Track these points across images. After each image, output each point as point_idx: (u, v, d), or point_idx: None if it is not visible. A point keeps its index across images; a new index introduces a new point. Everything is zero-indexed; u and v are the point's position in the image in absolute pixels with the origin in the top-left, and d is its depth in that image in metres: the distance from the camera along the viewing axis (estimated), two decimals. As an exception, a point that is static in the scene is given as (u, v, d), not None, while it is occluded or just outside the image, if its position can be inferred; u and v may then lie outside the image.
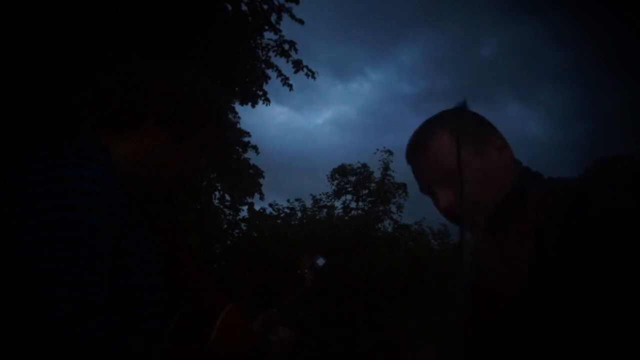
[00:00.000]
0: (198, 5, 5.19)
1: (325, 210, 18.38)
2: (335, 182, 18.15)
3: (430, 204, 1.12)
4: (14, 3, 3.81)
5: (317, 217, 18.24)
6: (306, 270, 1.47)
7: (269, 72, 7.45)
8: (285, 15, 7.04)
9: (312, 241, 15.46)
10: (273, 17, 6.98)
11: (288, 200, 18.75)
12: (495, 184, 1.03)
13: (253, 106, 7.50)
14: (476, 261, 0.98)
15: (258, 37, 7.13)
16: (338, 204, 18.14)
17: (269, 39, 7.31)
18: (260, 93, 7.49)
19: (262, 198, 9.65)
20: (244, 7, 6.41)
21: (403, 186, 17.05)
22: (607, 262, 0.86)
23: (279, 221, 18.09)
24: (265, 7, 6.80)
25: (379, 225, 17.71)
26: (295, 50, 7.41)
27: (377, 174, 17.61)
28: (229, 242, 17.71)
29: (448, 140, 1.06)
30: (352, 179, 17.91)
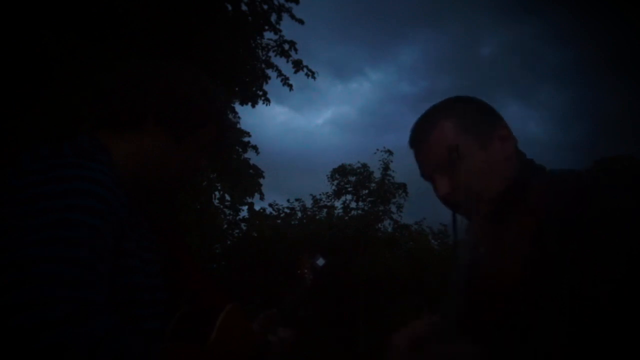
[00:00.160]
0: (198, 5, 5.19)
1: (325, 210, 18.38)
2: (335, 182, 18.15)
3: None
4: (14, 3, 3.81)
5: (317, 217, 18.23)
6: (306, 270, 1.47)
7: (269, 72, 7.46)
8: (285, 15, 7.05)
9: (312, 241, 15.45)
10: (273, 17, 6.99)
11: (288, 200, 18.76)
12: (497, 175, 1.03)
13: (253, 106, 7.51)
14: (475, 253, 0.98)
15: (258, 37, 7.13)
16: (338, 204, 18.15)
17: (269, 39, 7.33)
18: (260, 93, 7.50)
19: (262, 198, 9.66)
20: (244, 7, 6.41)
21: (403, 186, 17.05)
22: (607, 262, 0.86)
23: (279, 221, 18.08)
24: (265, 7, 6.80)
25: (379, 225, 17.71)
26: (295, 50, 7.42)
27: (377, 174, 17.61)
28: (229, 242, 17.71)
29: (450, 129, 1.06)
30: (352, 179, 17.90)
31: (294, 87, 7.60)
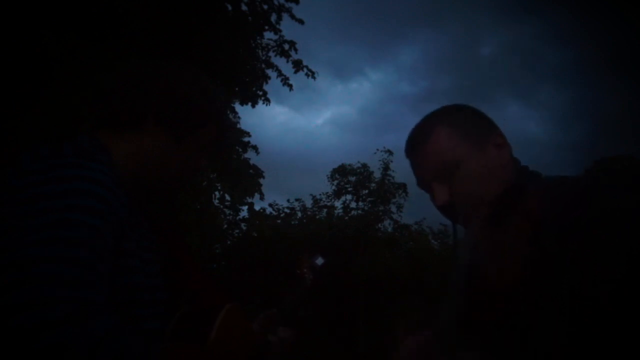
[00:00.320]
0: (198, 5, 5.19)
1: (325, 210, 18.38)
2: (335, 182, 18.15)
3: (431, 204, 1.12)
4: (14, 3, 3.81)
5: (317, 217, 18.24)
6: (305, 270, 1.47)
7: (269, 72, 7.46)
8: (285, 15, 7.05)
9: (312, 241, 15.45)
10: (273, 17, 6.99)
11: (288, 200, 18.77)
12: (493, 182, 1.03)
13: (253, 106, 7.51)
14: (473, 256, 0.99)
15: (258, 37, 7.13)
16: (338, 204, 18.15)
17: (269, 39, 7.33)
18: (260, 93, 7.50)
19: (262, 198, 9.67)
20: (244, 7, 6.41)
21: (403, 186, 17.05)
22: (607, 262, 0.86)
23: (279, 221, 18.08)
24: (265, 7, 6.80)
25: (379, 225, 17.71)
26: (295, 50, 7.42)
27: (377, 174, 17.62)
28: (229, 242, 17.71)
29: (446, 137, 1.06)
30: (352, 179, 17.90)
31: (294, 87, 7.61)
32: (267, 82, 7.48)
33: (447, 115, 1.10)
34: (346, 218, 17.69)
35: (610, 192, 0.95)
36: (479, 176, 1.03)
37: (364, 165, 17.82)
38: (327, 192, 18.27)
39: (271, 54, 7.38)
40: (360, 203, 17.81)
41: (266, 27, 7.01)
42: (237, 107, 7.69)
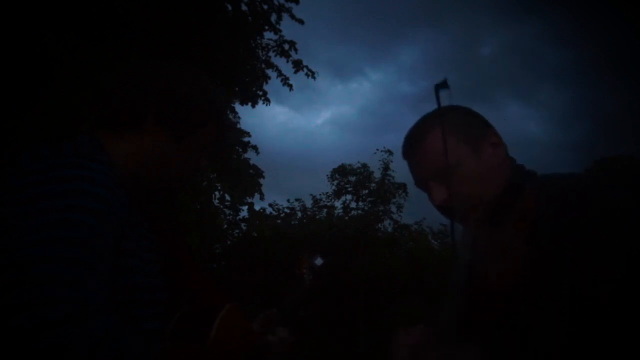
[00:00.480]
0: (198, 5, 5.19)
1: (325, 210, 18.37)
2: (335, 182, 18.13)
3: (430, 204, 1.13)
4: (14, 3, 3.81)
5: (317, 217, 18.22)
6: (305, 270, 1.48)
7: (269, 72, 7.45)
8: (285, 15, 7.04)
9: (312, 241, 15.45)
10: (273, 17, 6.98)
11: (288, 200, 18.75)
12: (490, 181, 1.04)
13: (253, 106, 7.50)
14: (472, 255, 0.99)
15: (258, 37, 7.13)
16: (338, 204, 18.13)
17: (269, 39, 7.32)
18: (260, 93, 7.49)
19: (262, 198, 9.66)
20: (244, 7, 6.41)
21: (403, 186, 17.03)
22: (607, 262, 0.86)
23: (279, 221, 18.07)
24: (265, 7, 6.80)
25: (379, 225, 17.69)
26: (295, 50, 7.41)
27: (377, 174, 17.59)
28: (229, 242, 17.70)
29: (444, 136, 1.07)
30: (352, 179, 17.89)
31: (294, 87, 7.60)
32: (267, 82, 7.48)
33: (443, 115, 1.11)
34: (346, 218, 17.67)
35: (610, 192, 0.96)
36: (477, 176, 1.04)
37: (364, 165, 17.81)
38: (327, 192, 18.26)
39: (271, 54, 7.39)
40: (360, 203, 17.80)
41: (266, 27, 7.01)
42: (237, 107, 7.69)
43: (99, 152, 0.99)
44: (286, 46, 7.35)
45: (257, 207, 14.50)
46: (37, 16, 3.89)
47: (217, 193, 9.99)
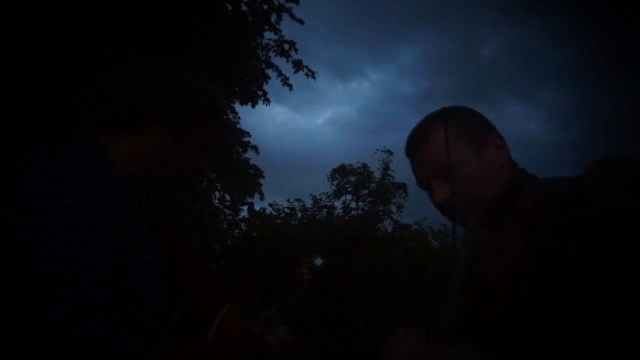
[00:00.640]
0: (198, 5, 5.19)
1: (325, 210, 18.38)
2: (335, 182, 18.14)
3: (431, 204, 1.13)
4: (14, 3, 3.81)
5: (317, 217, 18.23)
6: (304, 270, 1.48)
7: (269, 72, 7.45)
8: (285, 15, 7.05)
9: (312, 241, 15.45)
10: (273, 17, 6.98)
11: (288, 200, 18.76)
12: (492, 182, 1.04)
13: (253, 106, 7.50)
14: (472, 255, 0.99)
15: (258, 37, 7.13)
16: (338, 204, 18.14)
17: (269, 39, 7.32)
18: (260, 93, 7.49)
19: (262, 198, 9.67)
20: (244, 7, 6.41)
21: (403, 186, 17.03)
22: (607, 262, 0.86)
23: (279, 221, 18.08)
24: (265, 7, 6.80)
25: (379, 225, 17.69)
26: (295, 50, 7.42)
27: (377, 174, 17.60)
28: (229, 242, 17.70)
29: (447, 135, 1.07)
30: (352, 179, 17.89)
31: (294, 87, 7.60)
32: (267, 82, 7.48)
33: (447, 115, 1.12)
34: (346, 218, 17.68)
35: (610, 192, 0.96)
36: (478, 176, 1.04)
37: (364, 165, 17.81)
38: (327, 192, 18.27)
39: (271, 54, 7.39)
40: (360, 203, 17.81)
41: (266, 27, 7.01)
42: (237, 107, 7.70)
43: (99, 152, 0.99)
44: (286, 46, 7.35)
45: (257, 207, 14.53)
46: (37, 16, 3.89)
47: (217, 193, 10.00)
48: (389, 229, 18.04)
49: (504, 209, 1.00)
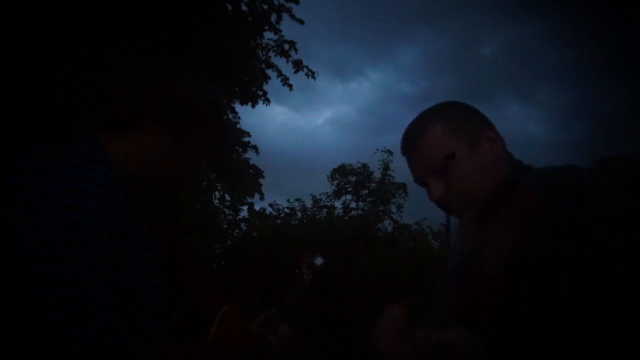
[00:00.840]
0: (198, 5, 5.19)
1: (325, 210, 18.39)
2: (335, 182, 18.16)
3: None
4: (14, 3, 3.81)
5: (317, 217, 18.24)
6: (305, 270, 1.48)
7: (269, 72, 7.46)
8: (285, 15, 7.05)
9: (312, 241, 15.45)
10: (273, 17, 6.99)
11: (288, 200, 18.79)
12: (487, 177, 1.05)
13: (253, 106, 7.51)
14: (468, 249, 0.99)
15: (258, 37, 7.13)
16: (338, 204, 18.16)
17: (269, 39, 7.33)
18: (260, 93, 7.49)
19: (262, 198, 9.68)
20: (244, 7, 6.41)
21: (403, 186, 17.05)
22: (607, 261, 0.86)
23: (279, 221, 18.09)
24: (265, 7, 6.80)
25: (379, 225, 17.72)
26: (295, 50, 7.42)
27: (377, 174, 17.63)
28: (229, 242, 17.72)
29: (440, 132, 1.08)
30: (352, 179, 17.91)
31: (294, 87, 7.61)
32: (267, 82, 7.49)
33: (440, 112, 1.13)
34: (346, 218, 17.69)
35: (610, 192, 0.95)
36: (473, 171, 1.05)
37: (364, 165, 17.83)
38: (327, 192, 18.29)
39: (271, 54, 7.39)
40: (360, 203, 17.82)
41: (266, 27, 7.01)
42: (237, 107, 7.70)
43: (98, 152, 0.99)
44: (286, 46, 7.36)
45: (257, 207, 14.55)
46: (37, 16, 3.89)
47: (217, 193, 10.02)
48: (389, 229, 18.07)
49: (498, 203, 1.00)
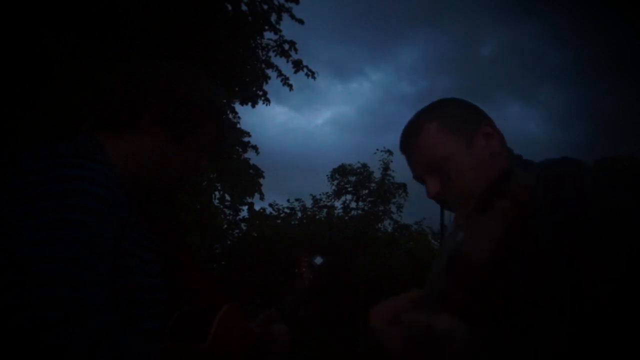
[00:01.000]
0: (198, 5, 5.19)
1: (325, 210, 18.39)
2: (335, 182, 18.15)
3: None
4: (14, 3, 3.81)
5: (317, 217, 18.24)
6: (304, 269, 1.48)
7: (269, 72, 7.46)
8: (285, 15, 7.05)
9: (312, 241, 15.45)
10: (273, 17, 6.99)
11: (288, 200, 18.78)
12: (483, 173, 1.05)
13: (253, 106, 7.50)
14: (459, 237, 0.99)
15: (258, 37, 7.13)
16: (338, 204, 18.15)
17: (269, 39, 7.33)
18: (260, 93, 7.49)
19: (262, 198, 9.68)
20: (244, 7, 6.41)
21: (403, 186, 17.05)
22: (607, 262, 0.86)
23: (279, 221, 18.09)
24: (265, 7, 6.80)
25: (379, 225, 17.71)
26: (295, 50, 7.42)
27: (377, 174, 17.62)
28: (229, 242, 17.72)
29: (436, 130, 1.09)
30: (352, 179, 17.90)
31: (294, 87, 7.61)
32: (267, 82, 7.48)
33: (437, 109, 1.13)
34: (346, 218, 17.69)
35: (610, 192, 0.95)
36: (469, 168, 1.05)
37: (364, 165, 17.83)
38: (327, 192, 18.28)
39: (271, 54, 7.39)
40: (360, 203, 17.82)
41: (266, 27, 7.01)
42: (237, 107, 7.70)
43: (98, 152, 0.99)
44: (286, 46, 7.36)
45: (257, 207, 14.55)
46: (37, 16, 3.89)
47: (217, 193, 10.02)
48: (389, 229, 18.06)
49: (493, 197, 1.00)
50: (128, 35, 4.53)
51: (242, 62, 6.60)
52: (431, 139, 1.08)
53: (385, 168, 17.43)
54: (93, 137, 1.03)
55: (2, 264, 0.76)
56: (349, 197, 17.92)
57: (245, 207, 12.64)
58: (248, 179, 9.12)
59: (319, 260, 1.50)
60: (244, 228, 17.71)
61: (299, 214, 18.59)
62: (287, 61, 7.40)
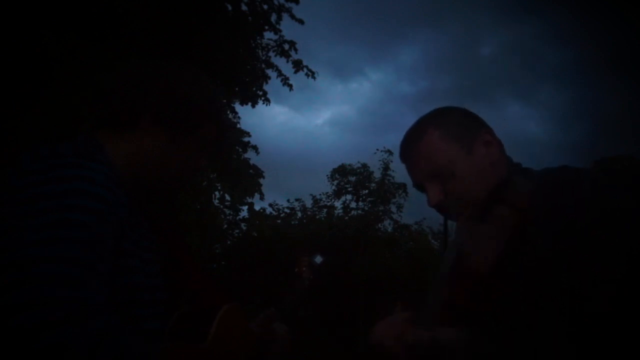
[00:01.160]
0: (198, 5, 5.19)
1: (325, 210, 18.39)
2: (335, 182, 18.16)
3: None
4: (14, 3, 3.81)
5: (317, 217, 18.24)
6: (304, 269, 1.48)
7: (269, 72, 7.46)
8: (285, 15, 7.06)
9: (312, 241, 15.45)
10: (273, 17, 6.99)
11: (288, 200, 18.78)
12: (483, 181, 1.05)
13: (253, 106, 7.51)
14: (461, 244, 1.00)
15: (258, 37, 7.13)
16: (338, 204, 18.16)
17: (269, 39, 7.33)
18: (260, 93, 7.50)
19: (262, 198, 9.68)
20: (244, 7, 6.41)
21: (403, 186, 17.05)
22: (607, 262, 0.86)
23: (279, 221, 18.09)
24: (265, 7, 6.80)
25: (379, 225, 17.72)
26: (295, 50, 7.42)
27: (377, 174, 17.63)
28: (229, 242, 17.72)
29: (437, 138, 1.09)
30: (352, 179, 17.91)
31: (294, 87, 7.61)
32: (267, 82, 7.49)
33: (437, 117, 1.14)
34: (346, 218, 17.69)
35: (610, 192, 0.95)
36: (469, 176, 1.06)
37: (364, 165, 17.83)
38: (327, 192, 18.29)
39: (271, 54, 7.40)
40: (360, 203, 17.83)
41: (266, 27, 7.02)
42: (237, 107, 7.70)
43: (98, 152, 0.99)
44: (286, 46, 7.36)
45: (257, 207, 14.55)
46: (37, 16, 3.89)
47: (217, 193, 10.03)
48: (389, 229, 18.07)
49: (493, 204, 1.01)
50: (128, 35, 4.53)
51: (242, 62, 6.60)
52: (433, 146, 1.08)
53: (385, 168, 17.45)
54: (93, 137, 1.03)
55: (2, 264, 0.76)
56: (349, 197, 17.94)
57: (245, 207, 12.65)
58: (248, 179, 9.12)
59: (318, 259, 1.50)
60: (244, 228, 17.72)
61: (299, 214, 18.61)
62: (287, 61, 7.41)
